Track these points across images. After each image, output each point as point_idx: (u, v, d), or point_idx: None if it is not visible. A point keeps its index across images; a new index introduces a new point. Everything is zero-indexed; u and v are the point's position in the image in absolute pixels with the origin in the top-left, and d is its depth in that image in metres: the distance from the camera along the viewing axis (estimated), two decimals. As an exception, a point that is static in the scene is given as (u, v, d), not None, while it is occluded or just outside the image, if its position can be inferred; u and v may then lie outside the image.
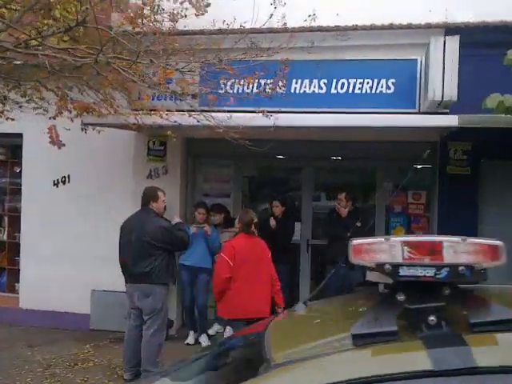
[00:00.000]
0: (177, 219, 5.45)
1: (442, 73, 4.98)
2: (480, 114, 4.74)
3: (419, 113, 5.78)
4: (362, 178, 7.18)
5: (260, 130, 4.89)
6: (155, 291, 4.84)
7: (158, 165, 6.74)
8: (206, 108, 4.82)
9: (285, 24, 4.99)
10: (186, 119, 4.70)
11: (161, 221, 4.96)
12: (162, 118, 4.82)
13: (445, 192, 6.09)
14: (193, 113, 4.63)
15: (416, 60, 5.78)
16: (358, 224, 5.96)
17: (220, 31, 5.21)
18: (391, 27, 5.79)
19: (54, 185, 7.00)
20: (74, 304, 6.82)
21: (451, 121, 4.85)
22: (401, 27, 5.78)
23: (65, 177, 6.98)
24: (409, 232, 6.56)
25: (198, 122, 4.55)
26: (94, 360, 5.67)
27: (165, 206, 5.22)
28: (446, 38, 5.00)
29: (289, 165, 7.27)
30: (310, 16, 5.12)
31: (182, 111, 4.82)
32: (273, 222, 6.26)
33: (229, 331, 6.58)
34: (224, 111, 4.72)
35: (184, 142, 6.71)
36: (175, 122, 4.68)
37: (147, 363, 4.86)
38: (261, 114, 4.74)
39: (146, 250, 4.80)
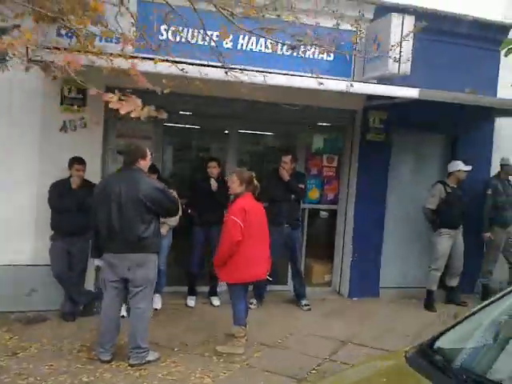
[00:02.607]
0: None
1: (399, 48, 5.49)
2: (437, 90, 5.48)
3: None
4: (283, 141, 7.34)
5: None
6: (149, 260, 4.27)
7: (74, 116, 5.73)
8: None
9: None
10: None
11: (154, 181, 4.35)
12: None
13: (362, 156, 6.75)
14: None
15: (354, 31, 6.16)
16: (302, 186, 6.27)
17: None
18: (336, -4, 6.06)
19: None
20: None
21: (411, 93, 5.41)
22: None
23: None
24: (322, 193, 7.09)
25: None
26: (32, 345, 4.67)
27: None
28: (405, 16, 5.49)
29: (214, 125, 6.94)
30: None
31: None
32: (214, 183, 5.98)
33: (157, 300, 6.15)
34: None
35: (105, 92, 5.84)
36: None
37: (140, 339, 4.30)
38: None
39: (140, 214, 4.17)
